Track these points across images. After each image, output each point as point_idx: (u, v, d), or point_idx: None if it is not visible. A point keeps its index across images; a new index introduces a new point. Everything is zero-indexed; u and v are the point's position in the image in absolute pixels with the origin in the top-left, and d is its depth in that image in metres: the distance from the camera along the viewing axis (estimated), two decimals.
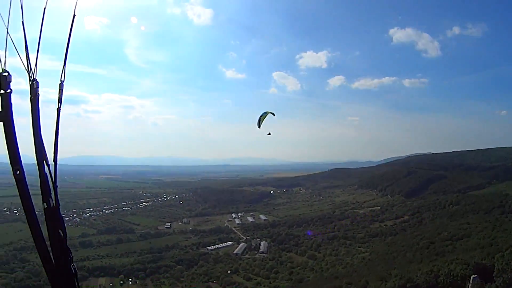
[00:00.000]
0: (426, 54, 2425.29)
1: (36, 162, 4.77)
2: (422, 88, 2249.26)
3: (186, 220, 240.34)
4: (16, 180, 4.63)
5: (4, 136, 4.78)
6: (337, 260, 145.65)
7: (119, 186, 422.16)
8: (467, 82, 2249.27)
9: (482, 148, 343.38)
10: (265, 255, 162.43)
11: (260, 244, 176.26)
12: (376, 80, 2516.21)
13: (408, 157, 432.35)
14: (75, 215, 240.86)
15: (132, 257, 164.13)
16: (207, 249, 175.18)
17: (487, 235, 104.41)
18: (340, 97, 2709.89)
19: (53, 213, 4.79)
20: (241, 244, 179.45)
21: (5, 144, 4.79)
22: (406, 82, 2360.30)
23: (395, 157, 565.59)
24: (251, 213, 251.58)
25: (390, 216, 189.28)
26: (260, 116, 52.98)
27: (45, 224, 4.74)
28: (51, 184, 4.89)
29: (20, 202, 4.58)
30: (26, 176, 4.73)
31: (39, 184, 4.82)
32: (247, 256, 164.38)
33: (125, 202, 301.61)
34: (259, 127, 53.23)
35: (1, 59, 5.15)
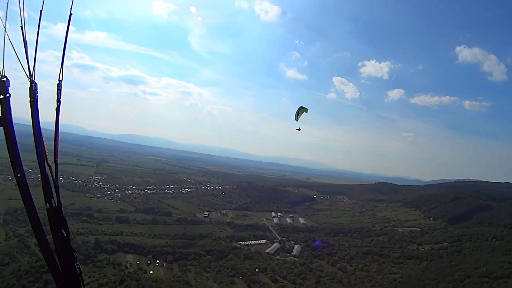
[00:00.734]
0: (491, 77, 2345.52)
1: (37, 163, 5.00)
2: (482, 112, 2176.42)
3: (225, 212, 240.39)
4: (17, 183, 4.87)
5: (5, 140, 4.92)
6: (367, 276, 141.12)
7: (165, 169, 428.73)
8: None
9: None
10: (297, 259, 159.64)
11: (293, 247, 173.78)
12: (436, 98, 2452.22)
13: (457, 181, 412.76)
14: (117, 190, 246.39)
15: (164, 240, 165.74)
16: (240, 244, 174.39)
17: None
18: (397, 110, 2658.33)
19: (56, 213, 4.97)
20: (275, 244, 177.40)
21: (6, 148, 4.93)
22: (467, 103, 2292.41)
23: (444, 179, 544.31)
24: (290, 215, 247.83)
25: (429, 240, 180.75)
26: (298, 109, 54.54)
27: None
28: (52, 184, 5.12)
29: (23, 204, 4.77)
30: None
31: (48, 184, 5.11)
32: (278, 257, 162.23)
33: (168, 185, 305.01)
34: (296, 120, 54.54)
35: None
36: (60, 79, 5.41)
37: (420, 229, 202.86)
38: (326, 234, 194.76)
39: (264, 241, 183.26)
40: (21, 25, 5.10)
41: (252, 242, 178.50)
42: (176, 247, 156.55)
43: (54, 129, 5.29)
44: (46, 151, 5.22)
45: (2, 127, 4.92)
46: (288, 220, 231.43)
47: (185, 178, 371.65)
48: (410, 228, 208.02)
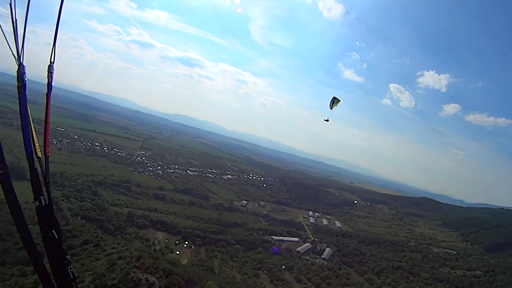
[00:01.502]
0: None
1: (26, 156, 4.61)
2: None
3: (263, 204, 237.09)
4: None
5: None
6: None
7: (211, 153, 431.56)
8: None
9: None
10: (325, 262, 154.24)
11: (324, 250, 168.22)
12: (492, 118, 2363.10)
13: (501, 208, 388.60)
14: (159, 167, 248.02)
15: (197, 222, 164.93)
16: (272, 238, 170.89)
17: None
18: (450, 126, 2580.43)
19: (46, 212, 4.57)
20: (306, 244, 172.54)
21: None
22: None
23: (488, 204, 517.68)
24: (327, 216, 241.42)
25: (463, 265, 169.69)
26: (334, 99, 53.17)
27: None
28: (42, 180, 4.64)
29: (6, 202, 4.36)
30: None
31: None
32: (307, 257, 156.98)
33: (211, 170, 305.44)
34: (331, 109, 53.37)
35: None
36: (52, 61, 4.89)
37: (455, 252, 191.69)
38: (359, 242, 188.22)
39: (296, 239, 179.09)
40: (9, 2, 4.54)
41: (284, 238, 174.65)
42: (207, 231, 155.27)
43: (44, 116, 4.79)
44: (36, 142, 4.65)
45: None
46: (324, 222, 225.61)
47: (229, 164, 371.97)
48: (446, 250, 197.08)
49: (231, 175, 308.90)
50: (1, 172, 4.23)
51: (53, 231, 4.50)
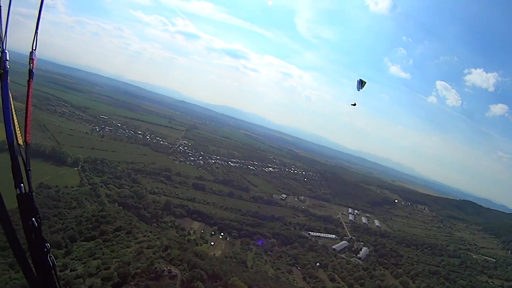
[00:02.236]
0: None
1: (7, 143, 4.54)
2: None
3: (302, 198, 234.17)
4: None
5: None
6: None
7: (254, 145, 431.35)
8: None
9: None
10: (361, 262, 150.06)
11: (361, 249, 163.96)
12: None
13: None
14: (200, 157, 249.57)
15: (234, 214, 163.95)
16: (309, 234, 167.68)
17: None
18: (497, 127, 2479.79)
19: (27, 200, 4.50)
20: (343, 242, 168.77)
21: None
22: None
23: None
24: (367, 214, 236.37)
25: (502, 275, 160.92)
26: (362, 81, 55.22)
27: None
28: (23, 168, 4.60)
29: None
30: None
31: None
32: (343, 255, 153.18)
33: (253, 162, 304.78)
34: (358, 90, 55.61)
35: None
36: (34, 48, 4.88)
37: (494, 260, 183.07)
38: (397, 243, 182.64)
39: (333, 236, 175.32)
40: None
41: (321, 235, 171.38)
42: (244, 223, 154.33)
43: (25, 103, 4.64)
44: (17, 130, 4.56)
45: None
46: (363, 220, 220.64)
47: (271, 157, 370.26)
48: (485, 257, 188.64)
49: (273, 168, 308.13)
50: None
51: (33, 219, 4.36)
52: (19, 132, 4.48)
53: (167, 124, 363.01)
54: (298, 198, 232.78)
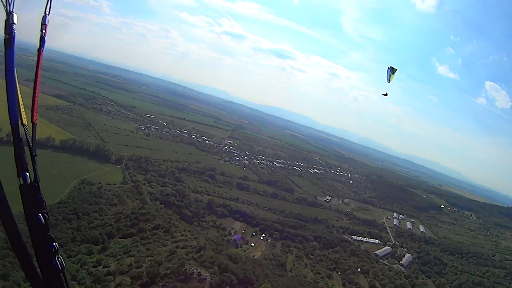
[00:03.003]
0: None
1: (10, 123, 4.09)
2: None
3: (347, 201, 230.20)
4: None
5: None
6: None
7: (299, 145, 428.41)
8: None
9: None
10: (403, 269, 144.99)
11: (404, 255, 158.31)
12: None
13: None
14: (245, 157, 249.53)
15: (277, 215, 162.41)
16: (351, 238, 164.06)
17: None
18: None
19: (31, 192, 3.96)
20: (386, 247, 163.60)
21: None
22: None
23: None
24: (412, 220, 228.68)
25: None
26: (393, 68, 53.12)
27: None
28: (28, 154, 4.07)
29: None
30: None
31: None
32: (385, 262, 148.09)
33: (298, 163, 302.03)
34: (389, 82, 53.55)
35: None
36: (47, 12, 4.24)
37: None
38: (441, 250, 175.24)
39: (377, 241, 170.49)
40: None
41: (364, 239, 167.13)
42: (286, 225, 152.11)
43: (34, 76, 4.09)
44: (22, 108, 4.03)
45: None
46: (408, 225, 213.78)
47: (317, 158, 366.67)
48: None
49: (318, 169, 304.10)
50: None
51: (40, 214, 3.86)
52: (23, 110, 3.90)
53: (213, 123, 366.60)
54: (342, 201, 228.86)
